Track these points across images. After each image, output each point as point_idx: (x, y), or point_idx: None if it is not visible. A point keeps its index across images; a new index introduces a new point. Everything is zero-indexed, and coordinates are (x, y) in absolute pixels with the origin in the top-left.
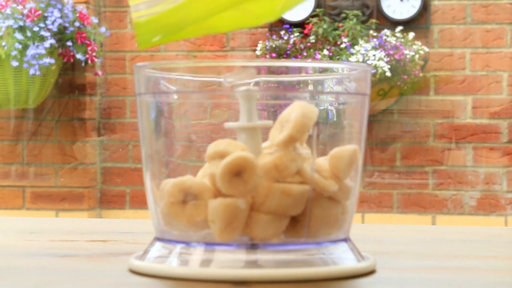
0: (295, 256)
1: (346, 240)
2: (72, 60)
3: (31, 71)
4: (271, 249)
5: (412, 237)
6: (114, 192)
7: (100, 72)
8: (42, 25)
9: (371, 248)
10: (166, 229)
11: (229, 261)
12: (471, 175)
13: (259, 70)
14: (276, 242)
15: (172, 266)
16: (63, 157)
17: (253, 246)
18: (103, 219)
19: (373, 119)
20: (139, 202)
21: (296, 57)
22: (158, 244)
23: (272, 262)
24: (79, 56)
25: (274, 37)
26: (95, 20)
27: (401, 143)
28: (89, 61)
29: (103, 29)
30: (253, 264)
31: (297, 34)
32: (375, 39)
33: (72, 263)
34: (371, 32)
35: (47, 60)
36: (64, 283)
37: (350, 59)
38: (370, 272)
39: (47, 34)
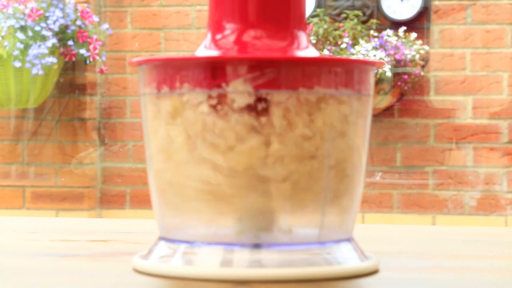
0: (299, 256)
1: (349, 240)
2: (73, 59)
3: (34, 71)
4: (275, 249)
5: (412, 237)
6: (114, 192)
7: (104, 69)
8: (43, 24)
9: (371, 248)
10: (171, 229)
11: (233, 261)
12: (471, 175)
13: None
14: (280, 242)
15: (176, 265)
16: (63, 157)
17: (257, 246)
18: (104, 219)
19: (373, 119)
20: (139, 202)
21: None
22: (162, 244)
23: (275, 262)
24: (82, 51)
25: None
26: (96, 19)
27: (401, 143)
28: (91, 59)
29: (105, 26)
30: (257, 263)
31: None
32: (376, 39)
33: (73, 263)
34: (372, 32)
35: (50, 60)
36: (65, 283)
37: None
38: (373, 272)
39: (48, 33)
